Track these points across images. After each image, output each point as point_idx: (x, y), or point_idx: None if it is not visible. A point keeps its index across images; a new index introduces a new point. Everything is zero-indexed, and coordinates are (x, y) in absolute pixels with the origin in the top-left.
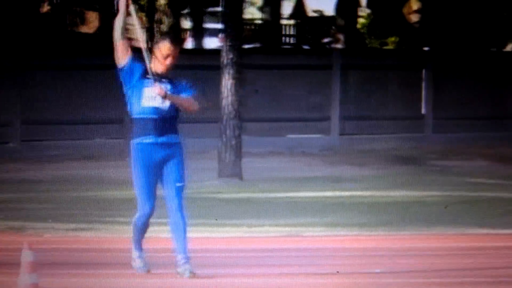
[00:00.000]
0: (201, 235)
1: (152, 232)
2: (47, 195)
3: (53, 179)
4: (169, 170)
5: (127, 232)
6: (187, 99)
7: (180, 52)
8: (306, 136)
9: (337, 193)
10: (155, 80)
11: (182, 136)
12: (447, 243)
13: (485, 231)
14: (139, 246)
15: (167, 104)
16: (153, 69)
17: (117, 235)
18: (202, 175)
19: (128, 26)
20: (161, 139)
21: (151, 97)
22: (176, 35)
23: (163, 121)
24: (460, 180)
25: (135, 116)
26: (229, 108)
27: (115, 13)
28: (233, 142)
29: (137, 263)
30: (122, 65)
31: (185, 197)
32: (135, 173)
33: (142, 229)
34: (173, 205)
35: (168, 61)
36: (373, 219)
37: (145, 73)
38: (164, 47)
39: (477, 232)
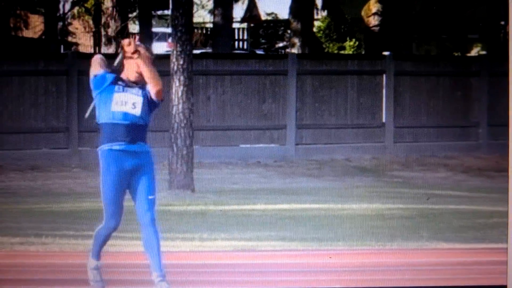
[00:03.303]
0: None
1: (116, 246)
2: None
3: None
4: (139, 181)
5: (78, 246)
6: (155, 71)
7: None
8: (260, 145)
9: (293, 206)
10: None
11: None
12: (405, 258)
13: (445, 245)
14: (98, 255)
15: (138, 111)
16: (125, 76)
17: (68, 249)
18: None
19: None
20: (132, 147)
21: (121, 102)
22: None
23: (133, 128)
24: (422, 192)
25: (103, 121)
26: (180, 116)
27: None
28: (185, 152)
29: (92, 275)
30: (96, 73)
31: (127, 207)
32: (103, 182)
33: (104, 240)
34: (145, 219)
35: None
36: (330, 234)
37: (116, 81)
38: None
39: (436, 246)
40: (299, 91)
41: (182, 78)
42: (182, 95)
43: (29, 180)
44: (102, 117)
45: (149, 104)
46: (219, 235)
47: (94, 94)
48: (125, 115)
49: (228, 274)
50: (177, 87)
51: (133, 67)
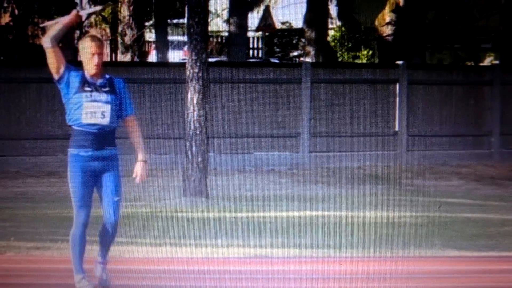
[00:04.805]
0: (166, 255)
1: (129, 252)
2: (8, 213)
3: (14, 196)
4: (106, 182)
5: (93, 252)
6: (142, 143)
7: (102, 51)
8: (274, 153)
9: (307, 213)
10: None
11: (118, 148)
12: (418, 265)
13: (457, 253)
14: (81, 268)
15: (106, 120)
16: (86, 74)
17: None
18: (166, 193)
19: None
20: (99, 153)
21: (91, 113)
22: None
23: (102, 135)
24: (434, 200)
25: (74, 127)
26: (195, 124)
27: (78, 25)
28: (199, 159)
29: (83, 284)
30: (58, 77)
31: (142, 213)
32: (70, 181)
33: (80, 244)
34: (110, 221)
35: (96, 59)
36: (343, 241)
37: (83, 85)
38: (87, 47)
39: (449, 254)
40: (313, 99)
41: (197, 86)
42: (197, 102)
43: (46, 185)
44: (72, 122)
45: (118, 107)
46: (233, 242)
47: (64, 99)
48: (94, 125)
49: (242, 280)
50: (192, 95)
51: (86, 55)
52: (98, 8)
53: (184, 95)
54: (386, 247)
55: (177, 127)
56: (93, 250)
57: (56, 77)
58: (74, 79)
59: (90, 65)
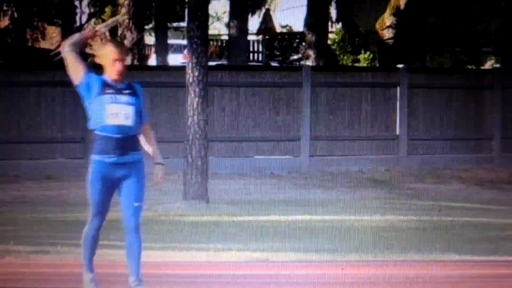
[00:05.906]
0: (166, 260)
1: (107, 255)
2: (7, 216)
3: (13, 200)
4: (128, 187)
5: (107, 256)
6: (157, 147)
7: (126, 55)
8: (274, 157)
9: (307, 217)
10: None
11: (143, 153)
12: (418, 269)
13: (457, 257)
14: (91, 266)
15: (130, 121)
16: (107, 78)
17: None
18: (166, 197)
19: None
20: (123, 159)
21: (114, 114)
22: (118, 40)
23: (125, 140)
24: (435, 204)
25: (97, 132)
26: (195, 128)
27: (77, 28)
28: (199, 163)
29: (91, 287)
30: (78, 81)
31: (142, 217)
32: (91, 187)
33: (92, 243)
34: (129, 225)
35: (118, 65)
36: (344, 245)
37: (104, 88)
38: (110, 52)
39: (449, 258)
40: (313, 103)
41: (197, 89)
42: (197, 106)
43: (45, 189)
44: (95, 126)
45: (139, 110)
46: (233, 246)
47: (85, 103)
48: (118, 128)
49: (242, 285)
50: (193, 98)
51: (108, 61)
52: (115, 18)
53: (184, 99)
54: (387, 251)
55: (177, 130)
56: (108, 255)
57: (76, 82)
58: (94, 82)
59: (112, 71)
